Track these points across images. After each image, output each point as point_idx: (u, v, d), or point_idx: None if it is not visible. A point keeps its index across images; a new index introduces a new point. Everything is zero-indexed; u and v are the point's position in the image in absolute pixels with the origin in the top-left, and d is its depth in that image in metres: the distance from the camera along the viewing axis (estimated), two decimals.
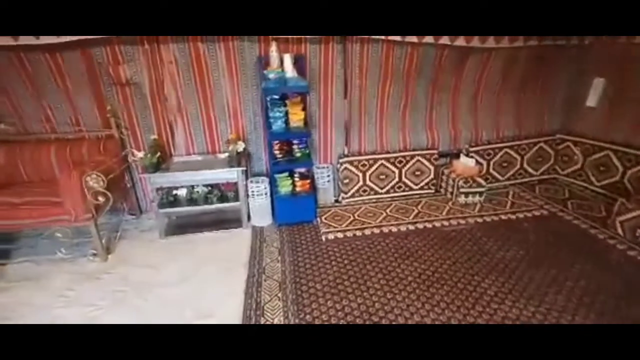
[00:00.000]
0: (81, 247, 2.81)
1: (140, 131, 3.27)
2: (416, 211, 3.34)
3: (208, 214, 3.24)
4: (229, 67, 3.12)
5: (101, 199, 2.64)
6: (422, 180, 3.65)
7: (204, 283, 2.47)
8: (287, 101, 2.97)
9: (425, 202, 3.52)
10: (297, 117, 2.89)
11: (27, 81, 3.00)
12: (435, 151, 3.66)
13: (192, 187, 3.07)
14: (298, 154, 3.02)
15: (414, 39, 3.01)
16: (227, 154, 3.12)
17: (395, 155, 3.57)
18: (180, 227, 3.23)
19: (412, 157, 3.59)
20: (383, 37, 2.97)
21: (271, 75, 2.75)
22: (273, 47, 2.88)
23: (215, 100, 3.25)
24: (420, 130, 3.68)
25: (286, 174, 3.13)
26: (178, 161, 3.26)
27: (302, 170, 3.18)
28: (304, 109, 3.02)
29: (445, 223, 3.12)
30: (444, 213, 3.28)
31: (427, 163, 3.61)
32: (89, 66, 3.01)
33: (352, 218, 3.25)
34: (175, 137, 3.36)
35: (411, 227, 3.06)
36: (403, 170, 3.58)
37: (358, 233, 2.99)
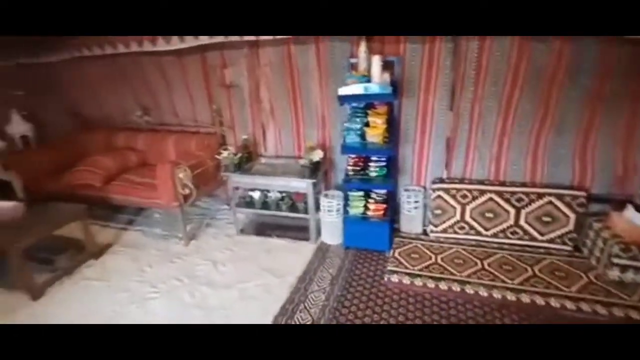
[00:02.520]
0: (177, 229, 3.20)
1: (237, 130, 3.47)
2: (530, 273, 2.38)
3: (287, 219, 3.18)
4: (318, 70, 2.93)
5: (187, 190, 2.92)
6: (553, 231, 2.59)
7: (246, 295, 2.41)
8: (369, 111, 2.56)
9: (550, 262, 2.48)
10: (374, 131, 2.44)
11: (163, 80, 3.59)
12: (582, 193, 2.52)
13: (267, 191, 3.05)
14: (373, 174, 2.58)
15: None
16: (304, 162, 2.96)
17: (514, 189, 2.64)
18: (258, 227, 3.30)
19: (542, 195, 2.58)
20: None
21: (349, 80, 2.40)
22: (362, 48, 2.51)
23: (304, 104, 3.12)
24: (562, 160, 2.60)
25: (361, 193, 2.74)
26: (264, 162, 3.31)
27: (381, 192, 2.72)
28: (388, 121, 2.55)
29: (572, 305, 2.09)
30: (576, 288, 2.22)
31: (564, 208, 2.53)
32: (205, 69, 3.36)
33: (433, 260, 2.59)
34: (267, 138, 3.43)
35: (511, 297, 2.18)
36: (523, 212, 2.63)
37: (430, 284, 2.34)
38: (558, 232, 2.58)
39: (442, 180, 2.86)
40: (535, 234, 2.63)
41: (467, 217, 2.77)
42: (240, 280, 2.55)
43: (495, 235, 2.73)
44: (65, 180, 3.32)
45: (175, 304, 2.37)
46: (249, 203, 3.12)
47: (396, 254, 2.70)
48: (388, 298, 2.30)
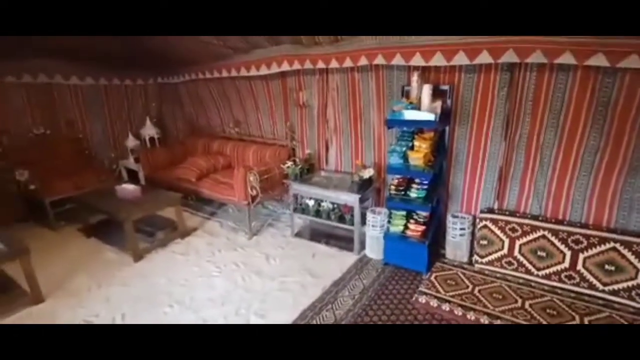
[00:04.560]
0: (245, 224, 3.77)
1: (305, 145, 3.92)
2: (577, 322, 2.16)
3: (337, 229, 3.46)
4: (377, 95, 3.18)
5: (254, 192, 3.46)
6: (618, 283, 2.28)
7: (284, 287, 2.75)
8: (416, 135, 2.70)
9: (607, 316, 2.19)
10: (416, 155, 2.57)
11: (252, 100, 4.30)
12: None
13: (321, 201, 3.39)
14: (413, 195, 2.69)
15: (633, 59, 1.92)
16: (355, 178, 3.22)
17: (572, 229, 2.43)
18: (312, 232, 3.65)
19: (605, 240, 2.31)
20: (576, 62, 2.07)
21: (396, 107, 2.60)
22: (414, 77, 2.70)
23: (363, 125, 3.40)
24: (636, 205, 2.30)
25: (403, 212, 2.86)
26: (323, 175, 3.68)
27: (423, 213, 2.80)
28: (433, 146, 2.64)
29: None
30: None
31: (633, 258, 2.23)
32: (284, 91, 3.93)
33: (469, 290, 2.54)
34: (329, 154, 3.79)
35: None
36: (581, 256, 2.39)
37: (458, 311, 2.32)
38: (624, 284, 2.27)
39: (491, 211, 2.78)
40: (595, 282, 2.36)
41: (516, 253, 2.63)
42: (283, 274, 2.92)
43: (547, 276, 2.53)
44: (172, 173, 4.23)
45: (229, 283, 2.85)
46: (304, 210, 3.50)
47: (432, 277, 2.72)
48: (411, 316, 2.37)
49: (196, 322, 2.40)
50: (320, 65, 3.20)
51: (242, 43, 3.51)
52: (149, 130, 5.03)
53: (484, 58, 2.31)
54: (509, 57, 2.22)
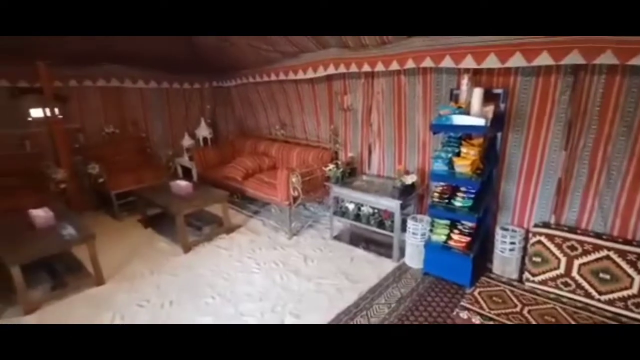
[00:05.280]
0: (286, 224, 3.86)
1: (348, 148, 3.92)
2: None
3: (376, 234, 3.42)
4: (424, 100, 3.09)
5: (296, 193, 3.52)
6: None
7: (321, 289, 2.77)
8: (463, 141, 2.57)
9: None
10: (462, 161, 2.44)
11: (299, 103, 4.39)
12: None
13: (361, 205, 3.36)
14: (458, 204, 2.55)
15: None
16: (396, 183, 3.15)
17: None
18: (351, 236, 3.64)
19: None
20: None
21: (442, 111, 2.49)
22: (464, 80, 2.57)
23: (408, 130, 3.32)
24: None
25: (446, 221, 2.73)
26: (365, 179, 3.64)
27: (469, 224, 2.65)
28: (482, 154, 2.49)
29: None
30: None
31: None
32: (330, 95, 3.97)
33: (517, 310, 2.35)
34: (371, 158, 3.75)
35: None
36: None
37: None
38: None
39: (547, 225, 2.55)
40: None
41: (574, 273, 2.38)
42: (319, 276, 2.94)
43: (610, 302, 2.25)
44: (221, 172, 4.47)
45: (268, 280, 2.93)
46: (344, 213, 3.49)
47: (476, 292, 2.55)
48: None
49: (234, 315, 2.51)
50: (366, 68, 3.19)
51: (291, 47, 3.61)
52: (203, 131, 5.36)
53: (544, 59, 2.14)
54: (573, 58, 2.03)
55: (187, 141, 5.29)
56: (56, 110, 4.06)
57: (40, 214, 2.89)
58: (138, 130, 5.03)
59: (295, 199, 3.55)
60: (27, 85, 3.98)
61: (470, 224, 2.63)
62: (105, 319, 2.47)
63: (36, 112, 4.14)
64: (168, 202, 3.53)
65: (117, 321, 2.45)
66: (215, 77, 5.40)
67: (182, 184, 3.83)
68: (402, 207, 2.98)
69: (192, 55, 4.49)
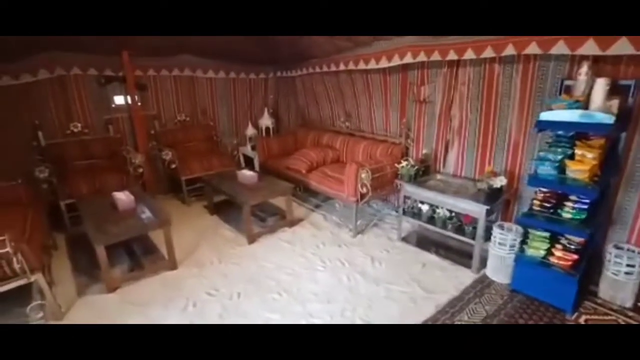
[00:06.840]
0: (350, 221, 3.70)
1: (421, 144, 3.62)
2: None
3: (451, 240, 3.13)
4: (522, 91, 2.69)
5: (365, 189, 3.33)
6: None
7: (391, 296, 2.57)
8: (578, 142, 2.17)
9: None
10: (578, 166, 2.05)
11: (367, 93, 4.16)
12: None
13: (436, 207, 3.07)
14: (567, 215, 2.17)
15: None
16: (482, 186, 2.81)
17: None
18: (419, 239, 3.37)
19: None
20: None
21: (554, 105, 2.11)
22: (583, 69, 2.16)
23: (497, 127, 2.94)
24: None
25: (546, 234, 2.36)
26: (440, 178, 3.34)
27: (577, 239, 2.25)
28: (603, 157, 2.08)
29: None
30: None
31: None
32: (403, 85, 3.68)
33: None
34: (448, 156, 3.42)
35: None
36: None
37: None
38: None
39: None
40: None
41: None
42: (388, 281, 2.73)
43: None
44: (282, 162, 4.42)
45: (334, 280, 2.80)
46: (416, 214, 3.22)
47: (581, 321, 2.18)
48: None
49: (302, 314, 2.41)
50: (452, 56, 2.85)
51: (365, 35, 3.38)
52: (266, 121, 5.37)
53: None
54: None
55: (250, 130, 5.34)
56: (136, 98, 4.29)
57: (122, 197, 3.04)
58: (207, 119, 5.17)
59: (363, 195, 3.36)
60: (112, 74, 4.23)
61: (577, 239, 2.23)
62: (180, 304, 2.52)
63: (119, 99, 4.41)
64: (235, 191, 3.54)
65: (190, 308, 2.48)
66: (281, 67, 5.35)
67: (247, 173, 3.83)
68: (489, 213, 2.64)
69: (262, 47, 4.45)
